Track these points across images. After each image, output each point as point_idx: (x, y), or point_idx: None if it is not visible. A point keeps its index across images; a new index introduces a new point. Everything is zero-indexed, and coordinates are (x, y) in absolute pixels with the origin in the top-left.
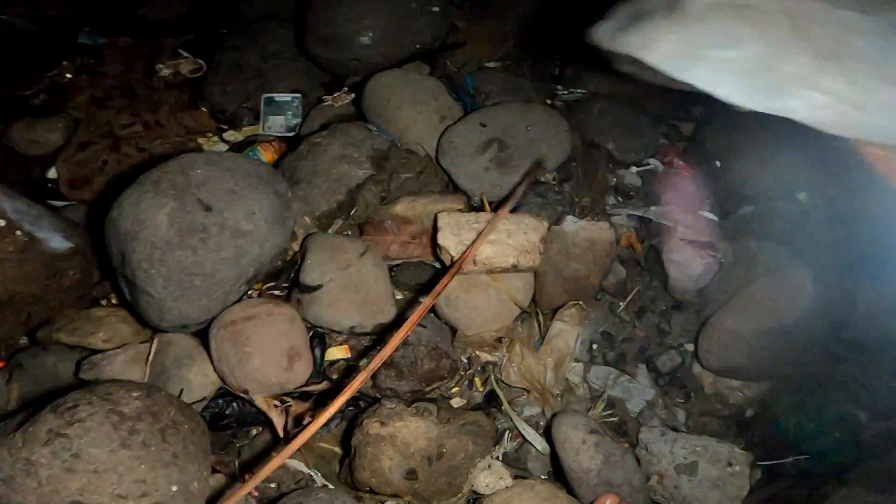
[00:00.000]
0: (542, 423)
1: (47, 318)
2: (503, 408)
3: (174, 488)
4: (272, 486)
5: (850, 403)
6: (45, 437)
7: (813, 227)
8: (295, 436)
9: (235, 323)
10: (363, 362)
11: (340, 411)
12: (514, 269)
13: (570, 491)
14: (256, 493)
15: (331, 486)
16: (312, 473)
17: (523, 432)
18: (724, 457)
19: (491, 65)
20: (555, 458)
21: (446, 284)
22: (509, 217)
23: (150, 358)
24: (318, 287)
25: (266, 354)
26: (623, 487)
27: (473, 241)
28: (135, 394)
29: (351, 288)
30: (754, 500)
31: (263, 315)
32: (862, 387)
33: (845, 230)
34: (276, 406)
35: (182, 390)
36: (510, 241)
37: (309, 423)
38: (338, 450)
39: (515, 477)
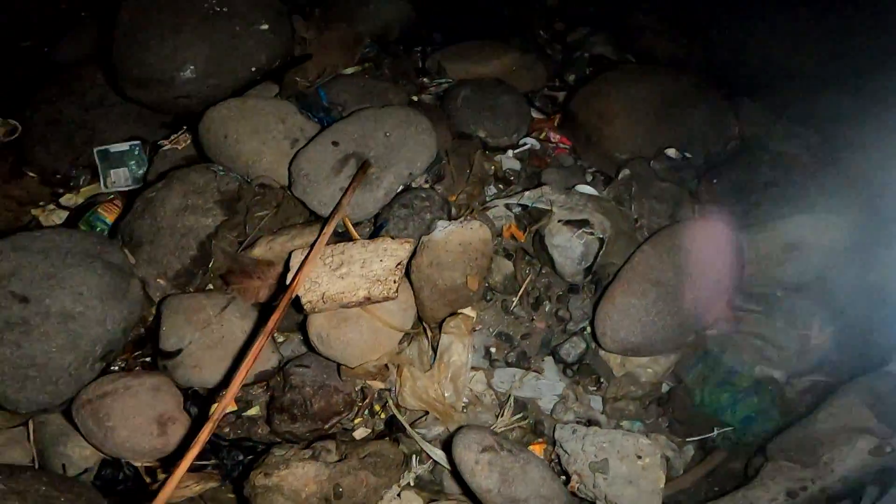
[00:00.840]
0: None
1: None
2: (407, 432)
3: None
4: None
5: (761, 363)
6: None
7: (686, 180)
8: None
9: (91, 402)
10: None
11: (234, 462)
12: (368, 301)
13: None
14: None
15: None
16: None
17: (431, 454)
18: (631, 450)
19: (349, 71)
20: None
21: (276, 322)
22: (366, 244)
23: (31, 438)
24: (179, 352)
25: (131, 425)
26: (530, 500)
27: (298, 271)
28: None
29: (214, 346)
30: (693, 477)
31: (120, 389)
32: (769, 343)
33: (719, 179)
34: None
35: (64, 465)
36: (362, 271)
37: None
38: None
39: (431, 501)
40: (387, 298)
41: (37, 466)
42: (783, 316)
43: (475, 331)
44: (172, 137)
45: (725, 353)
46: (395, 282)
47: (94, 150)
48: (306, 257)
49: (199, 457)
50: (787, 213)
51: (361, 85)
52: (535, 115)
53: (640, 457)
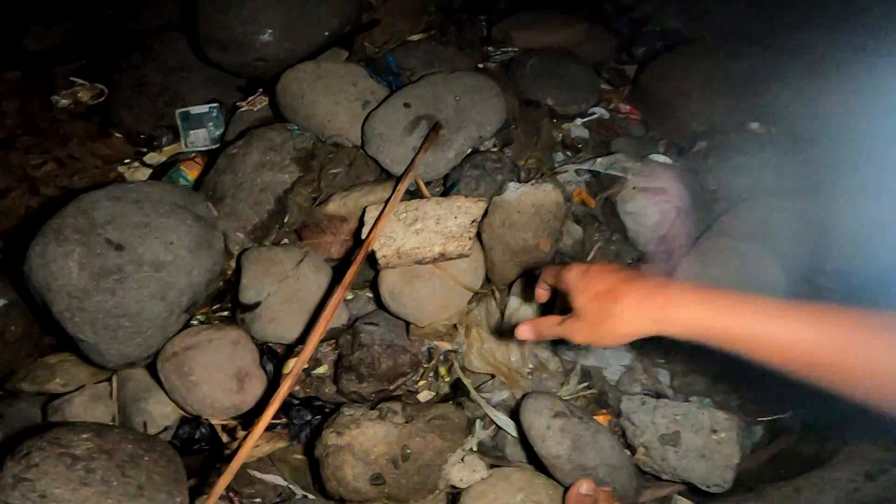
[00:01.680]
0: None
1: (10, 371)
2: (471, 395)
3: None
4: (257, 500)
5: None
6: (12, 482)
7: (772, 155)
8: (231, 457)
9: (177, 355)
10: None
11: (302, 422)
12: (442, 257)
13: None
14: None
15: (311, 497)
16: (291, 486)
17: (495, 419)
18: (707, 424)
19: (414, 38)
20: (528, 443)
21: (354, 274)
22: (440, 201)
23: (114, 395)
24: (257, 305)
25: (213, 381)
26: (599, 469)
27: (374, 225)
28: (84, 435)
29: (290, 300)
30: (760, 458)
31: (204, 343)
32: None
33: (807, 154)
34: (222, 427)
35: (145, 423)
36: (437, 227)
37: (241, 442)
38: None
39: (492, 466)
40: (461, 255)
41: (118, 424)
42: (869, 295)
43: None
44: (249, 99)
45: None
46: (469, 238)
47: (176, 111)
48: (382, 212)
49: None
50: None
51: (428, 51)
52: (603, 86)
53: (715, 431)
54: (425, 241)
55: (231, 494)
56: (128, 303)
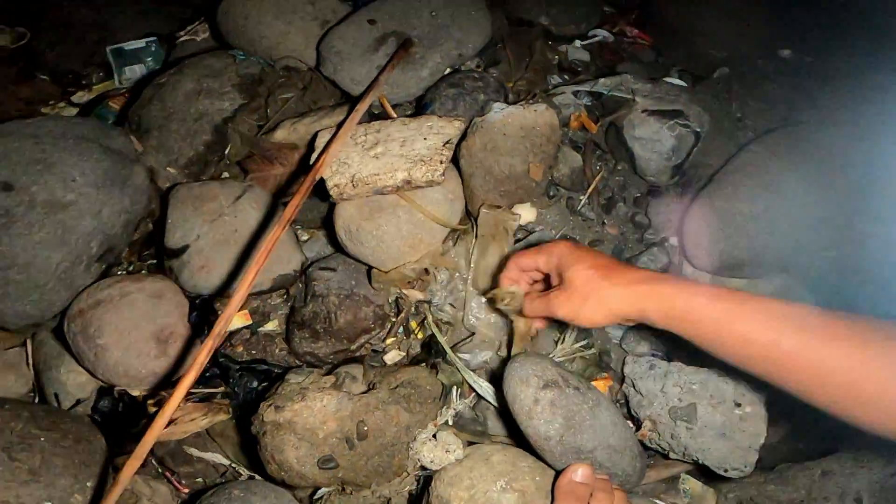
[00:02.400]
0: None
1: None
2: (448, 357)
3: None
4: (198, 480)
5: (891, 300)
6: None
7: (807, 85)
8: (140, 436)
9: (83, 313)
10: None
11: (246, 391)
12: (408, 185)
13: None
14: (187, 489)
15: (258, 478)
16: (234, 465)
17: (474, 385)
18: (729, 396)
19: None
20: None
21: (296, 207)
22: (407, 122)
23: (30, 362)
24: (185, 249)
25: (125, 343)
26: (597, 452)
27: (323, 150)
28: None
29: (226, 241)
30: (780, 431)
31: (116, 297)
32: None
33: (847, 87)
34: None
35: (57, 395)
36: (402, 150)
37: (153, 416)
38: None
39: (471, 443)
40: (431, 182)
41: (36, 397)
42: None
43: (533, 233)
44: (188, 28)
45: (846, 282)
46: (441, 162)
47: (108, 48)
48: (334, 135)
49: (206, 383)
50: None
51: None
52: (607, 9)
53: (738, 405)
54: (386, 166)
55: (167, 474)
56: (15, 251)
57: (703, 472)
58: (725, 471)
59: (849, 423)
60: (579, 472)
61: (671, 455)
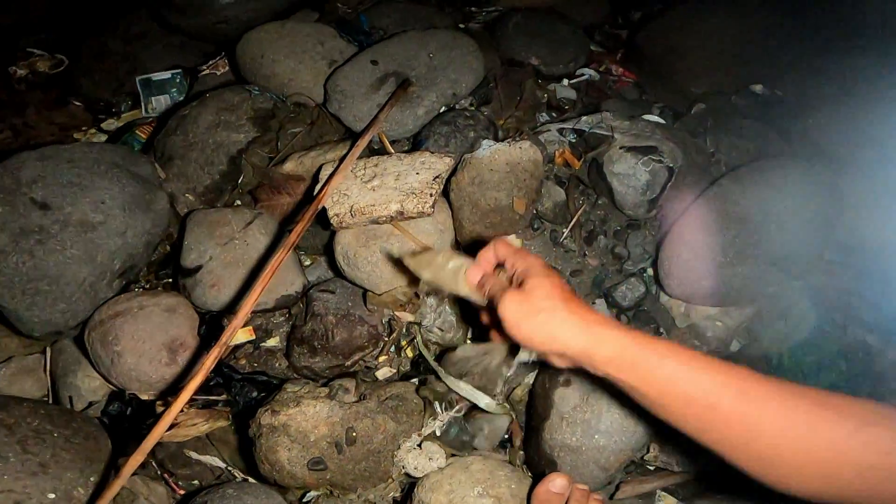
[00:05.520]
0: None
1: None
2: (438, 373)
3: (51, 496)
4: (194, 482)
5: (853, 325)
6: None
7: (777, 119)
8: (146, 436)
9: (104, 323)
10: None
11: (246, 400)
12: (401, 216)
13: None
14: (182, 491)
15: (252, 480)
16: (230, 468)
17: (459, 391)
18: None
19: None
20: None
21: (298, 235)
22: (402, 157)
23: (47, 367)
24: (198, 268)
25: (139, 351)
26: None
27: (326, 181)
28: None
29: (235, 263)
30: None
31: (134, 309)
32: (864, 301)
33: (816, 118)
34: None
35: (71, 398)
36: (396, 184)
37: (160, 415)
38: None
39: (453, 455)
40: (421, 214)
41: (50, 399)
42: (882, 274)
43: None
44: (210, 63)
45: (815, 308)
46: (431, 195)
47: (137, 78)
48: (336, 168)
49: (211, 392)
50: None
51: (404, 11)
52: (594, 48)
53: None
54: (382, 198)
55: (165, 475)
56: (48, 265)
57: (680, 485)
58: None
59: (770, 485)
60: (557, 483)
61: None
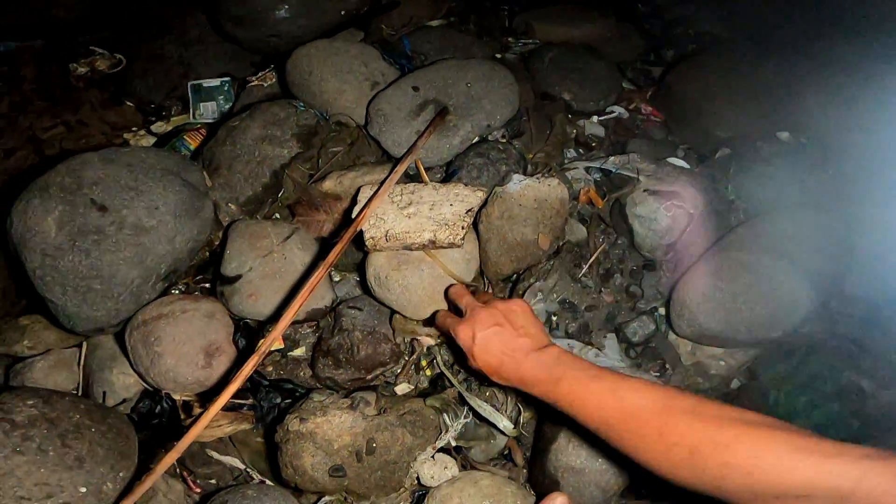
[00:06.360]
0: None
1: None
2: (461, 390)
3: (82, 489)
4: (212, 481)
5: (850, 370)
6: None
7: (799, 167)
8: (184, 434)
9: (146, 323)
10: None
11: (270, 405)
12: (433, 244)
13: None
14: (199, 490)
15: (268, 482)
16: (249, 469)
17: (478, 409)
18: None
19: (434, 23)
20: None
21: (336, 255)
22: (437, 187)
23: (81, 362)
24: (238, 278)
25: (179, 353)
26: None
27: (365, 205)
28: (29, 402)
29: (272, 275)
30: None
31: (177, 312)
32: (864, 350)
33: (835, 169)
34: (183, 403)
35: (104, 393)
36: (430, 213)
37: (196, 419)
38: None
39: (463, 468)
40: (452, 244)
41: (80, 393)
42: (882, 325)
43: (539, 293)
44: (259, 74)
45: (815, 353)
46: (462, 228)
47: (189, 83)
48: (375, 192)
49: (237, 395)
50: None
51: (445, 38)
52: (626, 85)
53: None
54: (416, 226)
55: (185, 474)
56: (102, 265)
57: None
58: None
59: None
60: (558, 502)
61: None
